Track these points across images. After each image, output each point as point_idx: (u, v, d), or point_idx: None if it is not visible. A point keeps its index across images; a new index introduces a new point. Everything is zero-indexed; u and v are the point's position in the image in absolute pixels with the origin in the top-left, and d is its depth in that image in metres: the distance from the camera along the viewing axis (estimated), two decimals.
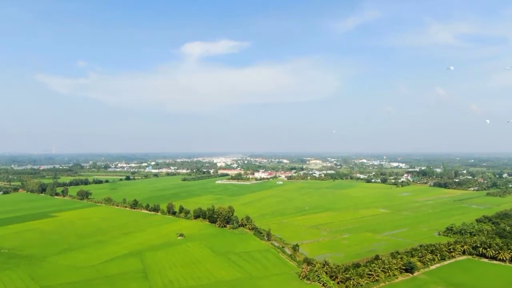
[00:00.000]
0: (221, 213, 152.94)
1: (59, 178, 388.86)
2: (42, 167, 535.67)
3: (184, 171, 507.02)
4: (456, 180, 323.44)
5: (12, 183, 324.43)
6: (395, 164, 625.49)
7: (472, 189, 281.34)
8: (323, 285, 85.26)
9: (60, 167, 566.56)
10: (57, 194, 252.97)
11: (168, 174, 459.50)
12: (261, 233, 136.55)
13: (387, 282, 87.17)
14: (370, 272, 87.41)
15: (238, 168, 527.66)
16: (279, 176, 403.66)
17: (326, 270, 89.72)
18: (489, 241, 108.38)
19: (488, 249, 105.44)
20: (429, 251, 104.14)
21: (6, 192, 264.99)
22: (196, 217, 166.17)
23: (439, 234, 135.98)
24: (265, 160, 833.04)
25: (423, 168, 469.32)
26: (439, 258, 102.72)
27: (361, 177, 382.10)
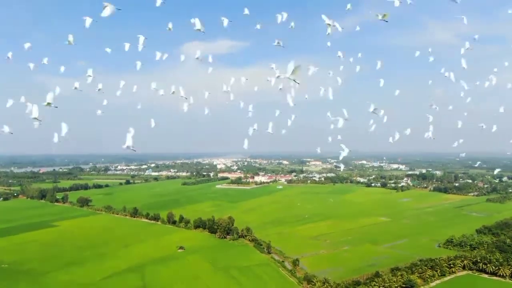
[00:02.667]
0: (221, 224, 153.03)
1: (59, 182, 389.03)
2: (42, 170, 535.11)
3: (184, 174, 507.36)
4: (456, 185, 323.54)
5: (12, 188, 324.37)
6: (395, 166, 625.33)
7: (472, 194, 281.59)
8: None
9: (60, 170, 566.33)
10: (57, 201, 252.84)
11: (168, 177, 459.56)
12: (261, 245, 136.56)
13: None
14: None
15: (238, 171, 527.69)
16: (279, 180, 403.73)
17: None
18: (489, 256, 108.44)
19: (488, 265, 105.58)
20: (429, 267, 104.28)
21: (6, 199, 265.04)
22: (196, 227, 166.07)
23: (439, 246, 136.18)
24: (265, 161, 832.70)
25: (423, 171, 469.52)
26: (439, 274, 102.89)
27: (361, 181, 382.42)
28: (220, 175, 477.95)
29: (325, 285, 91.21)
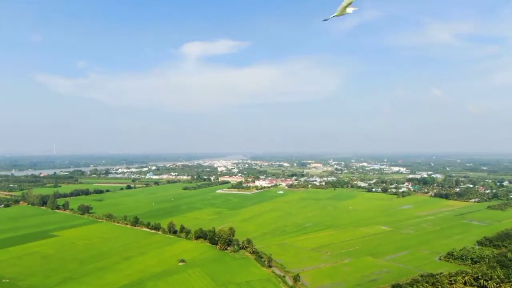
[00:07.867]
0: (221, 235, 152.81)
1: (59, 186, 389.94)
2: (42, 174, 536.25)
3: (185, 177, 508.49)
4: (457, 190, 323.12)
5: (12, 193, 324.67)
6: (395, 169, 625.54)
7: (473, 200, 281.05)
8: None
9: (61, 173, 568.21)
10: (58, 208, 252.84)
11: (168, 181, 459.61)
12: (262, 257, 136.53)
13: None
14: None
15: (239, 175, 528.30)
16: (279, 185, 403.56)
17: None
18: (490, 273, 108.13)
19: (489, 281, 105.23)
20: (431, 283, 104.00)
21: (7, 205, 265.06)
22: (197, 237, 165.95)
23: (440, 259, 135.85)
24: (265, 164, 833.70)
25: (423, 174, 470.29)
26: None
27: (362, 186, 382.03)
28: (220, 178, 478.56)
29: None
